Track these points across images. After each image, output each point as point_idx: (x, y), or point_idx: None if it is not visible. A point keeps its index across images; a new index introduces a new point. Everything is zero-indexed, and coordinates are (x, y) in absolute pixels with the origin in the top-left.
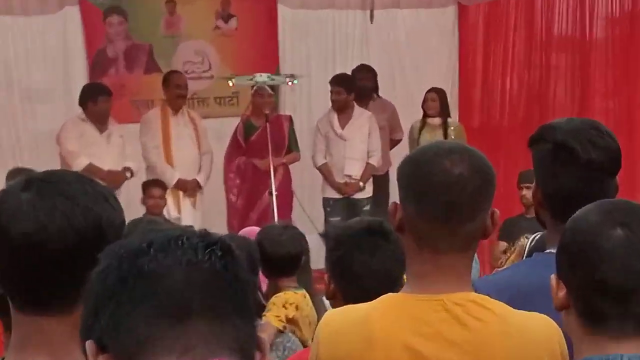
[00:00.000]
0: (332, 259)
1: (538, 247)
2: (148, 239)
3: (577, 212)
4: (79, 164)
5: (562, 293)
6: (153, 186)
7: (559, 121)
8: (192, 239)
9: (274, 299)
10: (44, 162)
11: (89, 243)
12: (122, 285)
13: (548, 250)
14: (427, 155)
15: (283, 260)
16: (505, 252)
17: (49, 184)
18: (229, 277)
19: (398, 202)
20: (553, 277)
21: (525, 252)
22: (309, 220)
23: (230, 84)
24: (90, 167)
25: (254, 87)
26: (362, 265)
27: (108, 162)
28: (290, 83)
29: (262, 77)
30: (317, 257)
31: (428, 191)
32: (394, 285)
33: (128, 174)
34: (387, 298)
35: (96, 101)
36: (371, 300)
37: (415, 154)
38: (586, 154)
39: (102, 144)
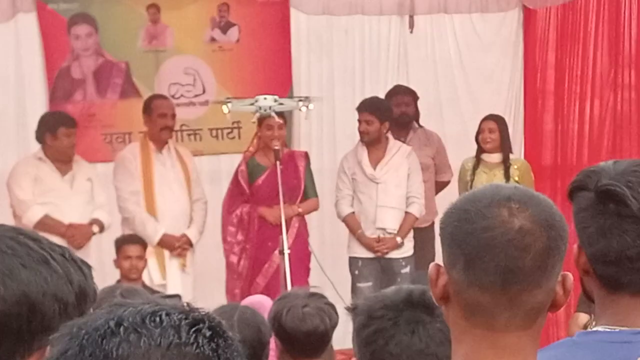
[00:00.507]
0: (362, 337)
1: None
2: (116, 315)
3: None
4: (30, 217)
5: None
6: (129, 243)
7: (605, 164)
8: (172, 316)
9: None
10: None
11: (10, 318)
12: None
13: (595, 328)
14: (478, 204)
15: (307, 338)
16: (585, 327)
17: None
18: None
19: (441, 264)
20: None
21: None
22: (332, 287)
23: (225, 111)
24: (46, 220)
25: (257, 115)
26: (400, 345)
27: (71, 212)
28: (304, 109)
29: (266, 101)
30: (343, 334)
31: (480, 250)
32: None
33: (96, 228)
34: None
35: (56, 134)
36: None
37: (463, 203)
38: (638, 202)
39: (64, 189)
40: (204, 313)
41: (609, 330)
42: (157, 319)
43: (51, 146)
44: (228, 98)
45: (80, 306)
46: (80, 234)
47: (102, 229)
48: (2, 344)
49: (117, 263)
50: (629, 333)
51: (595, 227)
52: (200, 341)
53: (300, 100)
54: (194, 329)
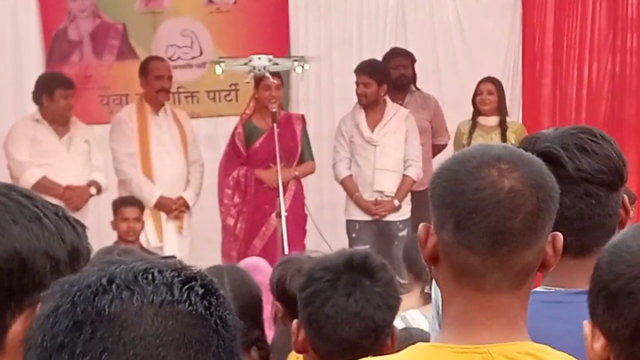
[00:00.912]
0: (301, 298)
1: None
2: (108, 272)
3: (613, 240)
4: (28, 178)
5: (599, 344)
6: (126, 205)
7: (547, 130)
8: (164, 273)
9: None
10: None
11: (1, 275)
12: (76, 333)
13: (537, 289)
14: (468, 165)
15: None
16: None
17: None
18: (214, 323)
19: (431, 224)
20: (587, 323)
21: None
22: (329, 250)
23: (219, 71)
24: (43, 182)
25: (251, 75)
26: (336, 307)
27: (68, 174)
28: (299, 69)
29: (261, 61)
30: None
31: (470, 212)
32: (377, 337)
33: (93, 190)
34: (414, 351)
35: (53, 96)
36: (345, 355)
37: (452, 163)
38: (573, 162)
39: (61, 151)
40: (195, 271)
41: (545, 290)
42: (150, 276)
43: (48, 108)
44: (221, 58)
45: (72, 265)
46: (78, 195)
47: (99, 191)
48: None
49: (115, 225)
50: (563, 293)
51: None
52: (192, 299)
53: (296, 60)
54: (186, 287)
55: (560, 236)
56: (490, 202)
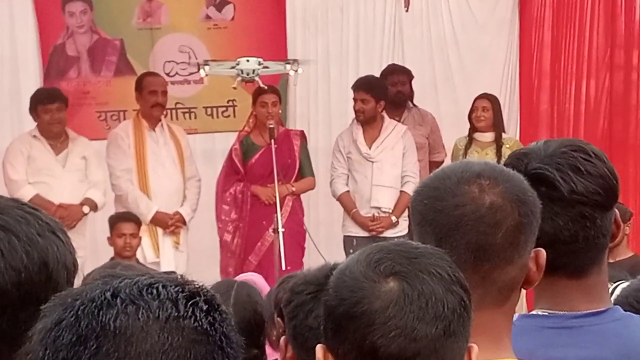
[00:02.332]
0: (286, 312)
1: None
2: (112, 286)
3: (342, 263)
4: (21, 197)
5: None
6: (123, 221)
7: (535, 145)
8: (169, 288)
9: None
10: None
11: (32, 287)
12: (80, 348)
13: (535, 311)
14: (448, 182)
15: None
16: None
17: None
18: (219, 339)
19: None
20: (319, 347)
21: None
22: None
23: (202, 74)
24: (36, 200)
25: (238, 80)
26: (318, 319)
27: (63, 192)
28: (292, 72)
29: (249, 64)
30: None
31: (451, 228)
32: None
33: (86, 209)
34: None
35: (36, 112)
36: None
37: (433, 180)
38: (568, 184)
39: (57, 168)
40: (198, 286)
41: (548, 314)
42: (154, 291)
43: (38, 124)
44: (206, 60)
45: (71, 279)
46: (70, 214)
47: (94, 208)
48: (23, 312)
49: (111, 241)
50: (568, 317)
51: None
52: (197, 314)
53: (288, 63)
54: (191, 302)
55: (543, 252)
56: (471, 218)
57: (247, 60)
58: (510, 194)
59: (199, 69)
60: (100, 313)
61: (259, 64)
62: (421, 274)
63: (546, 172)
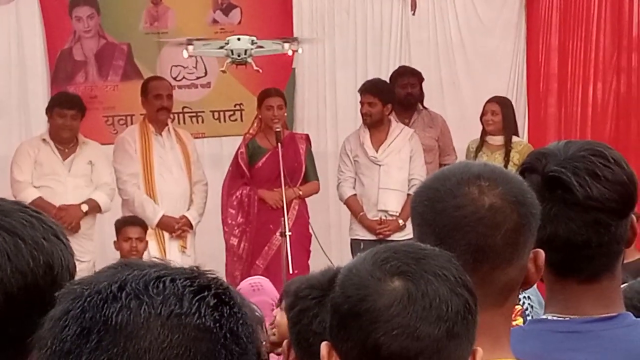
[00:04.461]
0: (290, 317)
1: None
2: (120, 278)
3: (349, 263)
4: (24, 198)
5: None
6: (129, 225)
7: (556, 145)
8: (177, 282)
9: None
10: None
11: (38, 290)
12: (82, 341)
13: (545, 316)
14: (448, 183)
15: None
16: None
17: None
18: (223, 337)
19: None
20: (324, 344)
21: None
22: None
23: (185, 55)
24: (38, 202)
25: (228, 61)
26: (323, 324)
27: (66, 196)
28: (290, 52)
29: (240, 43)
30: None
31: (451, 229)
32: None
33: (85, 207)
34: None
35: (51, 114)
36: None
37: (433, 181)
38: (584, 189)
39: (62, 173)
40: (211, 278)
41: (557, 318)
42: (161, 285)
43: (50, 126)
44: (190, 39)
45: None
46: (69, 215)
47: (97, 209)
48: (30, 316)
49: (117, 245)
50: (578, 322)
51: (542, 212)
52: (202, 311)
53: (287, 42)
54: (197, 298)
55: (541, 253)
56: (470, 220)
57: (238, 39)
58: (510, 196)
59: (185, 48)
60: (105, 306)
61: (252, 42)
62: (427, 275)
63: (563, 175)
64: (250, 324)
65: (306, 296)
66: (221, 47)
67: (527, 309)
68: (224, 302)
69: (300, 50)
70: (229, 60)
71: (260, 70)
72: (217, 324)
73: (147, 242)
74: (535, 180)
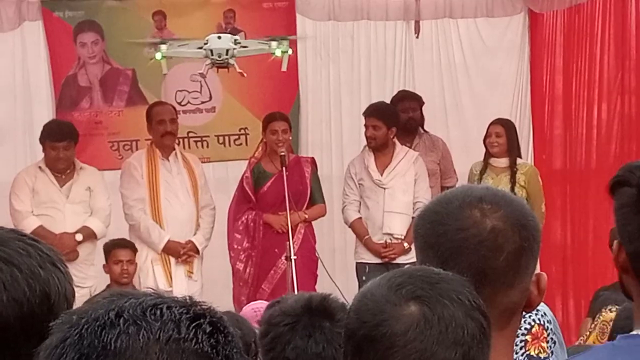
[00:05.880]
0: (263, 345)
1: (624, 324)
2: (117, 305)
3: (364, 287)
4: (25, 227)
5: None
6: (119, 247)
7: None
8: (173, 309)
9: None
10: (1, 219)
11: (34, 319)
12: None
13: (635, 332)
14: (450, 206)
15: None
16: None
17: None
18: None
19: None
20: None
21: (610, 330)
22: (339, 294)
23: (158, 57)
24: (39, 231)
25: (207, 63)
26: (296, 350)
27: (64, 223)
28: (278, 52)
29: (221, 41)
30: None
31: (453, 252)
32: None
33: (79, 237)
34: None
35: (44, 146)
36: None
37: (435, 205)
38: None
39: (60, 200)
40: (205, 307)
41: None
42: (158, 312)
43: (45, 156)
44: (163, 39)
45: (72, 307)
46: (62, 244)
47: (91, 237)
48: (26, 345)
49: (107, 268)
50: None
51: (635, 224)
52: (199, 337)
53: (274, 40)
54: (194, 324)
55: (544, 275)
56: (472, 242)
57: (219, 37)
58: (512, 219)
59: (157, 50)
60: (103, 332)
61: (235, 42)
62: (442, 299)
63: None
64: (243, 354)
65: (279, 323)
66: (200, 48)
67: (549, 333)
68: (219, 330)
69: (289, 52)
70: (208, 62)
71: (245, 75)
72: (214, 350)
73: (136, 264)
74: (629, 193)
